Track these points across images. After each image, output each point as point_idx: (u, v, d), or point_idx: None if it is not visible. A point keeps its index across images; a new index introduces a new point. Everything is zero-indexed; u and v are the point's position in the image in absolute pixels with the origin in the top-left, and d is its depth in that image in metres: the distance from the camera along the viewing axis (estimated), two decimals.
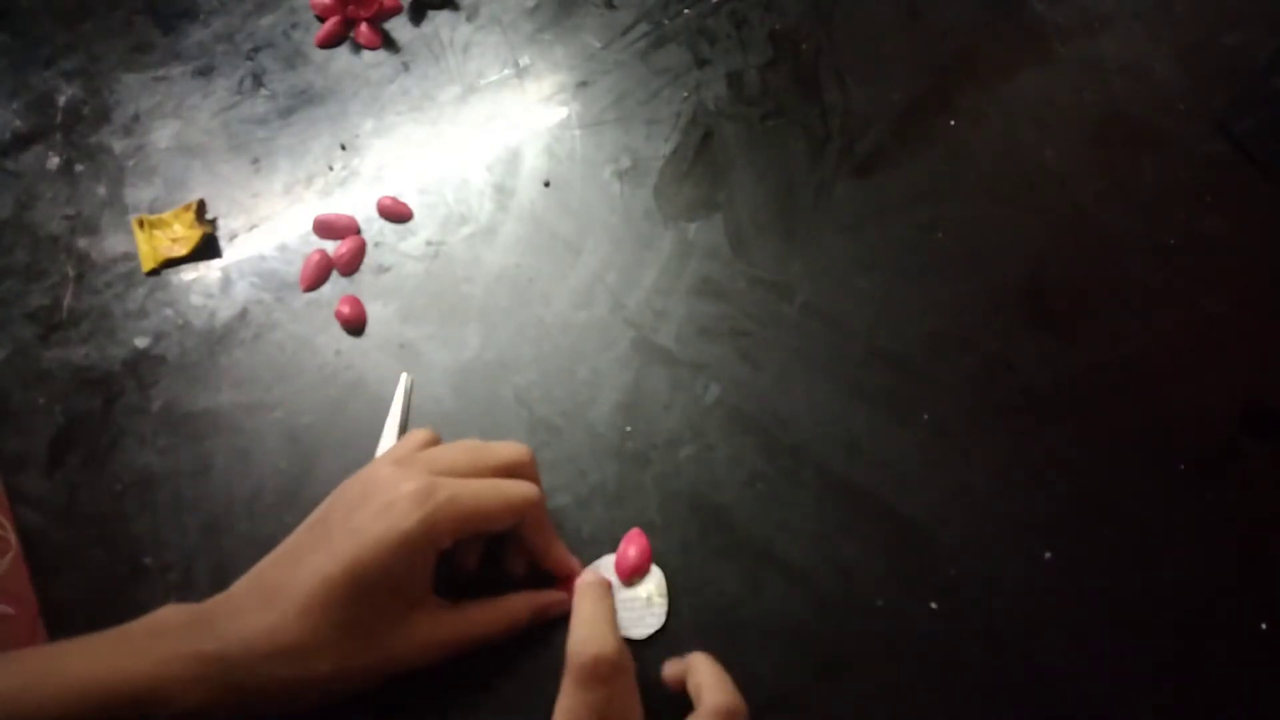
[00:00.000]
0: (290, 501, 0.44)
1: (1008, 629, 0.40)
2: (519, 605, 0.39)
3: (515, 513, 0.37)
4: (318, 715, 0.35)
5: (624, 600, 0.41)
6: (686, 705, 0.35)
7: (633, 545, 0.41)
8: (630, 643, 0.39)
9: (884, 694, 0.39)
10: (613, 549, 0.42)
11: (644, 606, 0.41)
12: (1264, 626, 0.39)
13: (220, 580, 0.42)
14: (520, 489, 0.37)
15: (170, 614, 0.34)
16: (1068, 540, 0.41)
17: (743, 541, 0.42)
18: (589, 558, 0.42)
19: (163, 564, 0.43)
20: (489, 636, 0.38)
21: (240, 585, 0.36)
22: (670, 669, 0.38)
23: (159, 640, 0.33)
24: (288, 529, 0.43)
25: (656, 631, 0.40)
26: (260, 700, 0.33)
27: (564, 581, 0.40)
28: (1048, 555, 0.41)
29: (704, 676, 0.35)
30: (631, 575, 0.41)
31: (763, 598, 0.41)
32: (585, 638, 0.32)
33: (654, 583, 0.41)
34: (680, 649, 0.39)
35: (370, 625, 0.34)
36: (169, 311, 0.49)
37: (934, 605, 0.40)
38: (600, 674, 0.31)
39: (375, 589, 0.34)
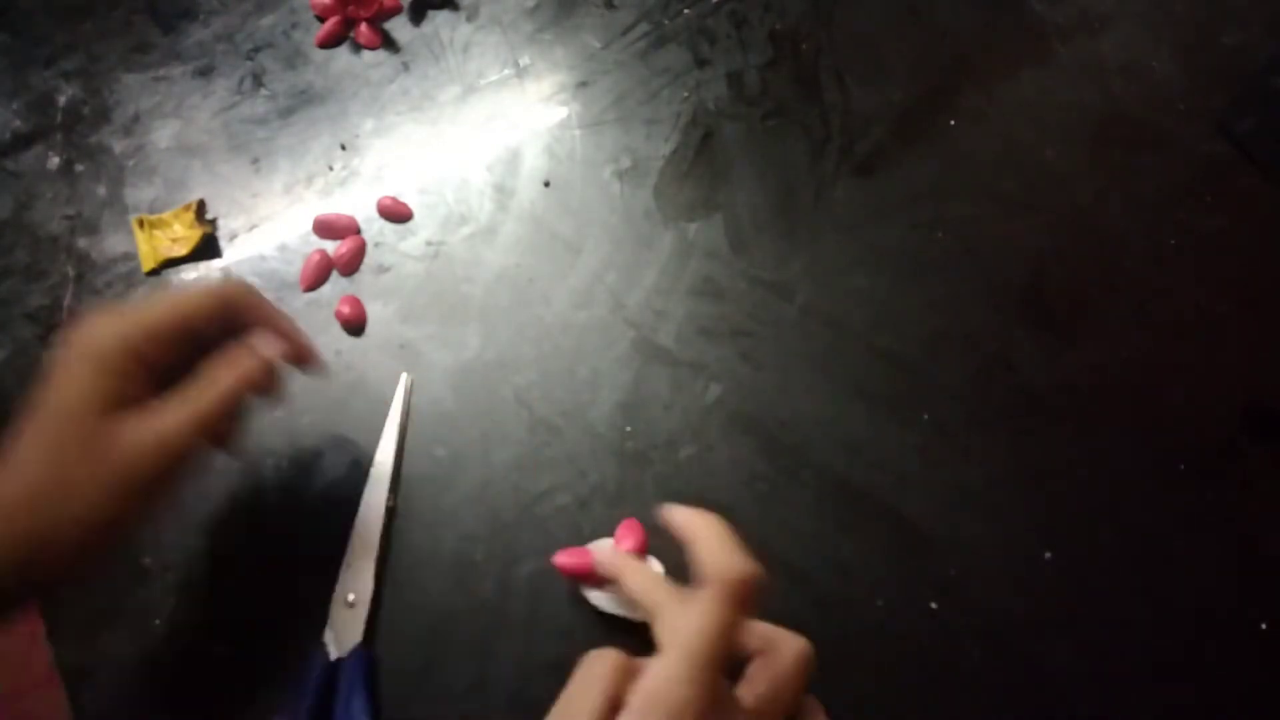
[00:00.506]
0: (290, 501, 0.44)
1: (1008, 629, 0.40)
2: (223, 376, 0.37)
3: (208, 309, 0.37)
4: None
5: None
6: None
7: (628, 536, 0.41)
8: (635, 626, 0.39)
9: (884, 694, 0.39)
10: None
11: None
12: (1264, 626, 0.39)
13: (220, 580, 0.42)
14: (208, 290, 0.38)
15: None
16: (1068, 540, 0.41)
17: (743, 541, 0.42)
18: None
19: (163, 564, 0.43)
20: (201, 416, 0.36)
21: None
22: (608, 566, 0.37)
23: None
24: (288, 529, 0.43)
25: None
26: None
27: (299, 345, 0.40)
28: (1048, 555, 0.41)
29: (705, 545, 0.32)
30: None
31: (763, 598, 0.41)
32: (733, 561, 0.31)
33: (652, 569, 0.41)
34: None
35: (70, 454, 0.34)
36: None
37: (934, 605, 0.40)
38: (747, 595, 0.31)
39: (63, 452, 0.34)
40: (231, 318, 0.38)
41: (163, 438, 0.35)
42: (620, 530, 0.42)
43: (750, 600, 0.31)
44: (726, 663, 0.30)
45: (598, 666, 0.30)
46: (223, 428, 0.39)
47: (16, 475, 0.34)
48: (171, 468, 0.36)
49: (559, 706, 0.30)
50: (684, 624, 0.30)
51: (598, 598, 0.40)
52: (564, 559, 0.40)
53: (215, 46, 0.58)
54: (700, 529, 0.32)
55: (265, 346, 0.39)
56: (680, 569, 0.41)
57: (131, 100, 0.56)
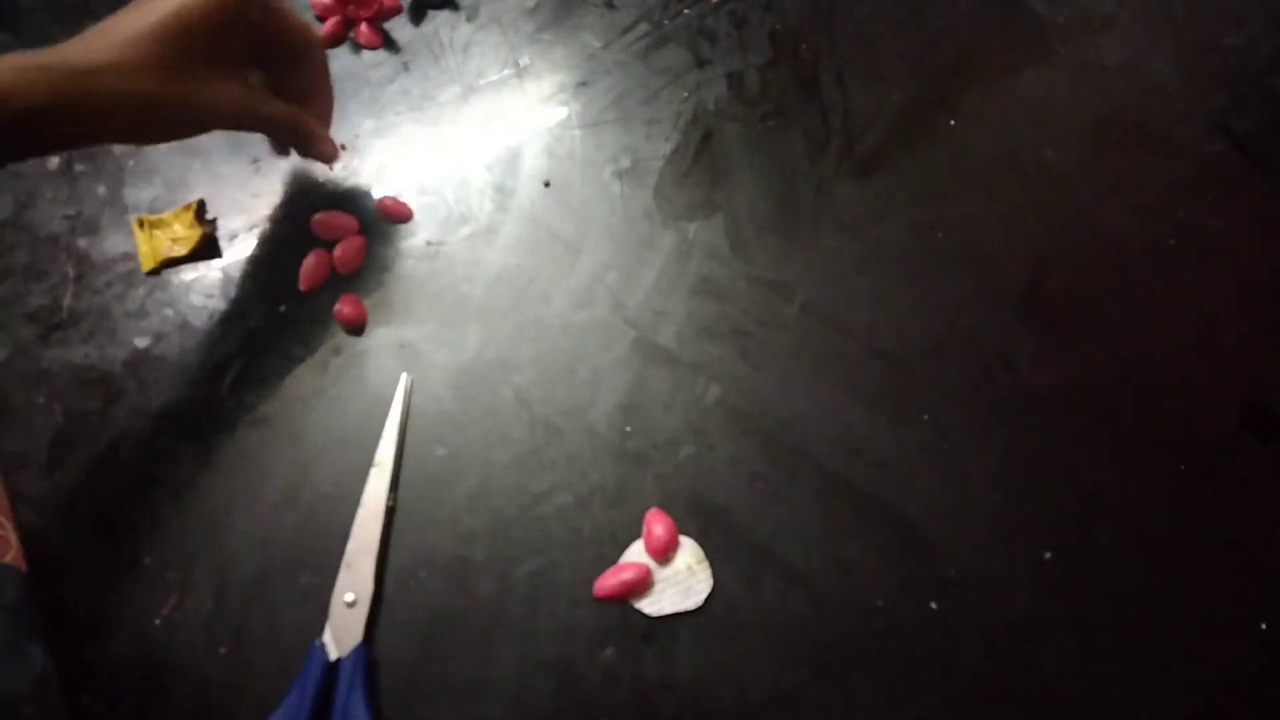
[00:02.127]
0: (290, 501, 0.44)
1: (1008, 629, 0.40)
2: (307, 118, 0.48)
3: (307, 30, 0.47)
4: None
5: (668, 578, 0.41)
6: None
7: (657, 524, 0.42)
8: (686, 614, 0.40)
9: (884, 694, 0.39)
10: (615, 548, 0.42)
11: (689, 577, 0.41)
12: (1264, 626, 0.39)
13: (220, 580, 0.42)
14: (305, 27, 0.47)
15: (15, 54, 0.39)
16: (1068, 540, 0.41)
17: (743, 541, 0.42)
18: (590, 557, 0.42)
19: (163, 564, 0.43)
20: (281, 122, 0.47)
21: (73, 39, 0.41)
22: None
23: (5, 60, 0.38)
24: (288, 529, 0.43)
25: (709, 597, 0.41)
26: (95, 111, 0.39)
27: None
28: (1048, 555, 0.41)
29: None
30: (666, 553, 0.41)
31: (763, 598, 0.41)
32: None
33: (690, 552, 0.42)
34: (697, 636, 0.39)
35: (186, 63, 0.41)
36: (169, 311, 0.49)
37: (934, 605, 0.40)
38: None
39: (192, 34, 0.41)
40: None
41: (243, 105, 0.44)
42: (647, 524, 0.42)
43: None
44: None
45: None
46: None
47: (113, 45, 0.40)
48: (231, 125, 0.45)
49: None
50: None
51: (648, 605, 0.41)
52: (603, 585, 0.41)
53: None
54: None
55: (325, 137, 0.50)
56: (713, 550, 0.41)
57: None
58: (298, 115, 0.48)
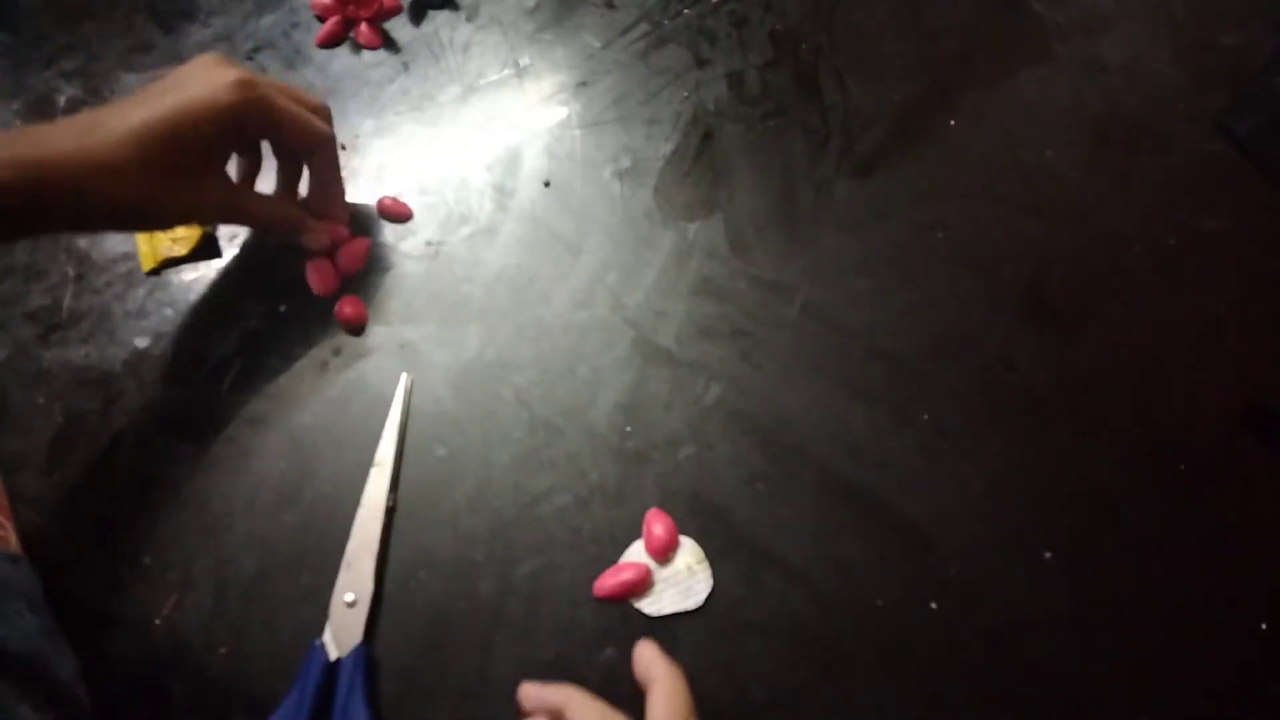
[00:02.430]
0: (290, 501, 0.44)
1: (1008, 629, 0.40)
2: (294, 211, 0.48)
3: (312, 134, 0.45)
4: None
5: (667, 577, 0.41)
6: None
7: (657, 523, 0.42)
8: (686, 614, 0.40)
9: (884, 694, 0.39)
10: (615, 548, 0.42)
11: (689, 577, 0.41)
12: (1264, 626, 0.39)
13: (220, 580, 0.42)
14: (322, 122, 0.46)
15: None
16: (1068, 540, 0.41)
17: (743, 541, 0.42)
18: (590, 557, 0.42)
19: (163, 564, 0.43)
20: (265, 218, 0.47)
21: (62, 121, 0.40)
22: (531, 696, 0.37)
23: None
24: (288, 529, 0.43)
25: (708, 597, 0.41)
26: (71, 211, 0.39)
27: (332, 227, 0.49)
28: (1048, 555, 0.41)
29: (657, 697, 0.34)
30: (666, 552, 0.41)
31: (763, 598, 0.41)
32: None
33: (689, 552, 0.42)
34: (696, 636, 0.39)
35: (174, 167, 0.40)
36: (169, 311, 0.49)
37: (934, 605, 0.40)
38: None
39: (185, 140, 0.40)
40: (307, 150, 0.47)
41: (231, 207, 0.45)
42: (647, 524, 0.42)
43: None
44: None
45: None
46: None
47: (98, 144, 0.39)
48: (216, 221, 0.48)
49: None
50: None
51: (648, 605, 0.41)
52: (604, 586, 0.41)
53: (215, 46, 0.58)
54: (660, 678, 0.35)
55: (326, 230, 0.49)
56: (713, 550, 0.41)
57: None
58: (280, 211, 0.47)
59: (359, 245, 0.50)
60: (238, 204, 0.45)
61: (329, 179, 0.48)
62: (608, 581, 0.41)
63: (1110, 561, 0.41)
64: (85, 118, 0.40)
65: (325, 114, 0.47)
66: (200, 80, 0.41)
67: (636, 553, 0.42)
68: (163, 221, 0.43)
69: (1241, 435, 0.43)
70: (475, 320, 0.48)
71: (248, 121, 0.42)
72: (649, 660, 0.36)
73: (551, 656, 0.40)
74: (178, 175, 0.41)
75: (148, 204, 0.40)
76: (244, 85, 0.41)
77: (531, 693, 0.37)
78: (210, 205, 0.44)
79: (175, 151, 0.40)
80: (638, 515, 0.43)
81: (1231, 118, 0.51)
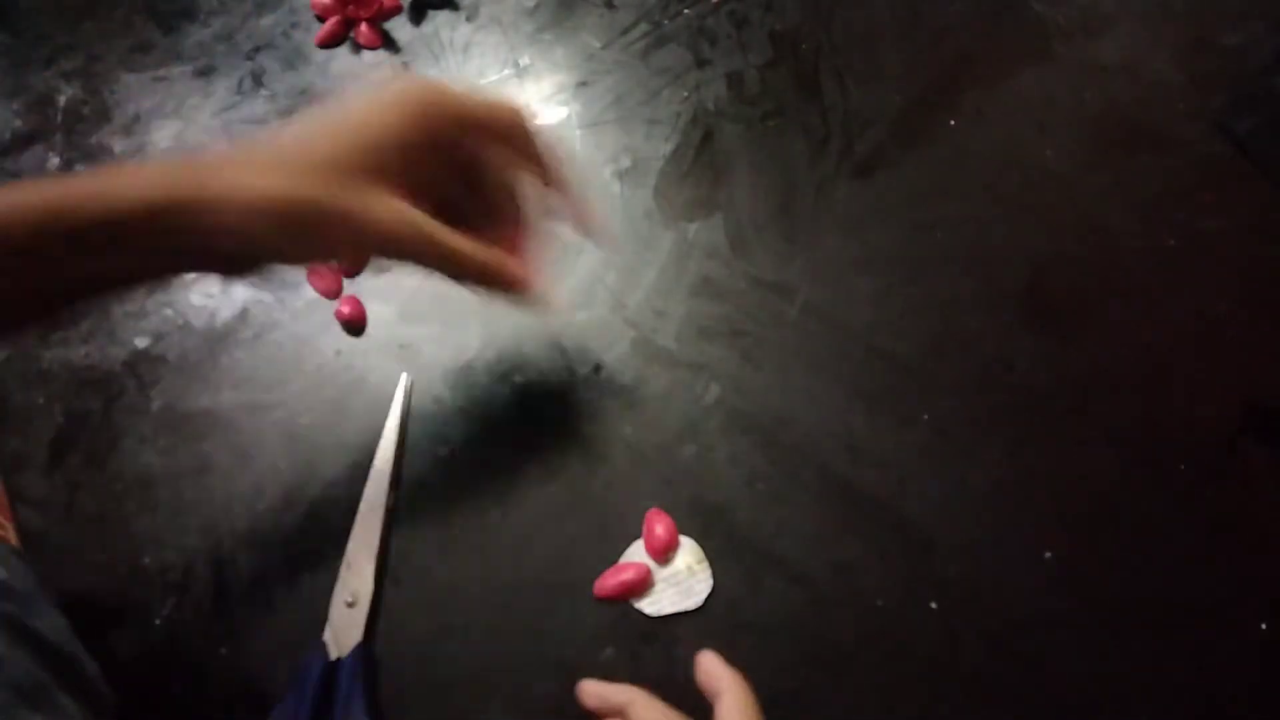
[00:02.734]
0: (290, 501, 0.44)
1: (1008, 629, 0.40)
2: (484, 250, 0.37)
3: (502, 106, 0.37)
4: None
5: (667, 577, 0.41)
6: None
7: (658, 523, 0.42)
8: (686, 614, 0.40)
9: (884, 694, 0.39)
10: (615, 548, 0.42)
11: (689, 577, 0.41)
12: (1264, 626, 0.39)
13: (220, 580, 0.42)
14: (502, 100, 0.38)
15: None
16: (1068, 540, 0.41)
17: (743, 541, 0.42)
18: (590, 557, 0.42)
19: (163, 564, 0.43)
20: (449, 253, 0.36)
21: (239, 147, 0.34)
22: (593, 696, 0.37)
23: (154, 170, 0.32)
24: (288, 529, 0.43)
25: (708, 597, 0.41)
26: (223, 218, 0.32)
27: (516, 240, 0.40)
28: (1048, 555, 0.41)
29: (727, 708, 0.34)
30: (666, 552, 0.41)
31: (763, 598, 0.41)
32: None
33: (689, 552, 0.42)
34: (697, 636, 0.39)
35: (357, 176, 0.33)
36: (169, 311, 0.49)
37: (934, 605, 0.40)
38: None
39: (372, 151, 0.34)
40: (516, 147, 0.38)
41: (413, 229, 0.35)
42: (647, 524, 0.42)
43: None
44: None
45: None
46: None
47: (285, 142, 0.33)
48: (392, 250, 0.36)
49: None
50: None
51: (648, 605, 0.41)
52: (603, 586, 0.41)
53: (215, 46, 0.58)
54: (729, 688, 0.35)
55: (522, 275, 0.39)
56: (713, 550, 0.41)
57: (131, 100, 0.56)
58: (477, 248, 0.37)
59: None
60: (423, 229, 0.35)
61: (534, 152, 0.38)
62: (608, 581, 0.41)
63: (1110, 561, 0.41)
64: (257, 144, 0.34)
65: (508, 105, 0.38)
66: (369, 90, 0.35)
67: (637, 553, 0.42)
68: (335, 242, 0.34)
69: (1241, 435, 0.43)
70: (475, 320, 0.48)
71: (431, 119, 0.35)
72: (715, 672, 0.36)
73: (552, 656, 0.40)
74: (358, 184, 0.33)
75: (320, 210, 0.32)
76: (423, 87, 0.35)
77: (593, 690, 0.37)
78: (393, 223, 0.34)
79: (358, 160, 0.33)
80: (638, 515, 0.43)
81: (1231, 118, 0.51)
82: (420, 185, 0.35)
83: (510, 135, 0.38)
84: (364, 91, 0.35)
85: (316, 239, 0.34)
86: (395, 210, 0.34)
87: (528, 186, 0.39)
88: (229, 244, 0.32)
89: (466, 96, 0.36)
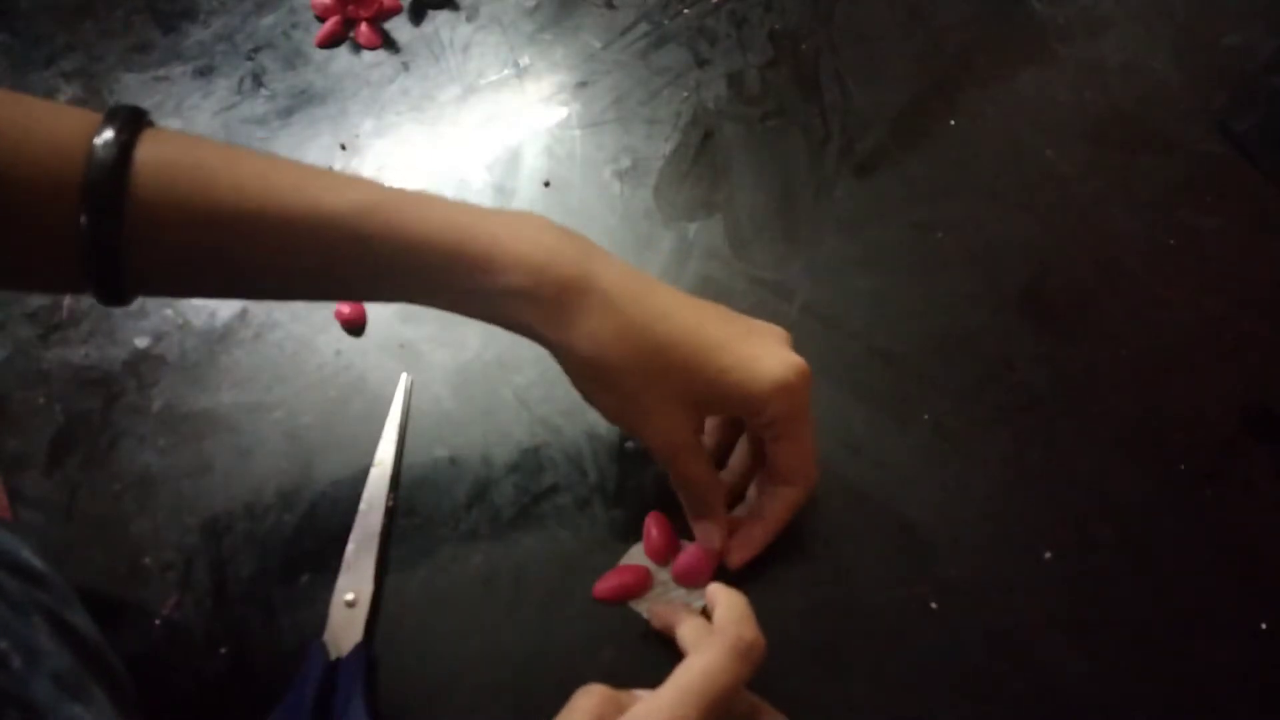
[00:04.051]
0: (290, 501, 0.44)
1: (1008, 629, 0.40)
2: (718, 491, 0.40)
3: (802, 469, 0.39)
4: None
5: (667, 580, 0.41)
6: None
7: (655, 527, 0.42)
8: (638, 635, 0.40)
9: (884, 694, 0.39)
10: (615, 549, 0.42)
11: (689, 587, 0.41)
12: (1264, 626, 0.39)
13: (220, 580, 0.42)
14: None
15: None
16: (1068, 540, 0.41)
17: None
18: (590, 558, 0.42)
19: (163, 564, 0.43)
20: (687, 477, 0.39)
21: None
22: (661, 616, 0.38)
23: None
24: (288, 529, 0.43)
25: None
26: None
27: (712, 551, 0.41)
28: (1048, 555, 0.41)
29: (726, 607, 0.34)
30: (665, 555, 0.41)
31: (763, 598, 0.41)
32: (746, 625, 0.33)
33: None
34: None
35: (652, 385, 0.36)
36: (169, 311, 0.49)
37: (934, 605, 0.40)
38: (754, 657, 0.32)
39: (687, 373, 0.36)
40: None
41: (670, 439, 0.37)
42: (646, 527, 0.42)
43: (752, 665, 0.32)
44: (719, 717, 0.31)
45: (584, 699, 0.31)
46: None
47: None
48: (640, 435, 0.38)
49: None
50: (686, 664, 0.31)
51: (647, 606, 0.41)
52: (603, 587, 0.41)
53: (215, 46, 0.58)
54: (726, 595, 0.35)
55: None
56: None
57: (131, 100, 0.56)
58: (709, 481, 0.39)
59: None
60: (676, 443, 0.37)
61: (779, 512, 0.40)
62: (607, 584, 0.41)
63: (1110, 561, 0.41)
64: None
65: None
66: (765, 338, 0.37)
67: (636, 554, 0.42)
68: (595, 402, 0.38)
69: (1241, 435, 0.43)
70: (475, 321, 0.48)
71: (775, 410, 0.36)
72: (712, 589, 0.36)
73: (552, 656, 0.40)
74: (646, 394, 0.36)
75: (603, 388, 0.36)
76: (803, 377, 0.36)
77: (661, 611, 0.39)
78: (651, 425, 0.37)
79: (662, 372, 0.35)
80: (638, 515, 0.43)
81: (1231, 118, 0.51)
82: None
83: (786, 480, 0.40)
84: (759, 343, 0.37)
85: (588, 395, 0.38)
86: (663, 420, 0.37)
87: None
88: (502, 310, 0.36)
89: (808, 423, 0.38)
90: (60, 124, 0.31)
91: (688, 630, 0.36)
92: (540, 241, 0.34)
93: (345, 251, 0.33)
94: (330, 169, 0.36)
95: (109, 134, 0.31)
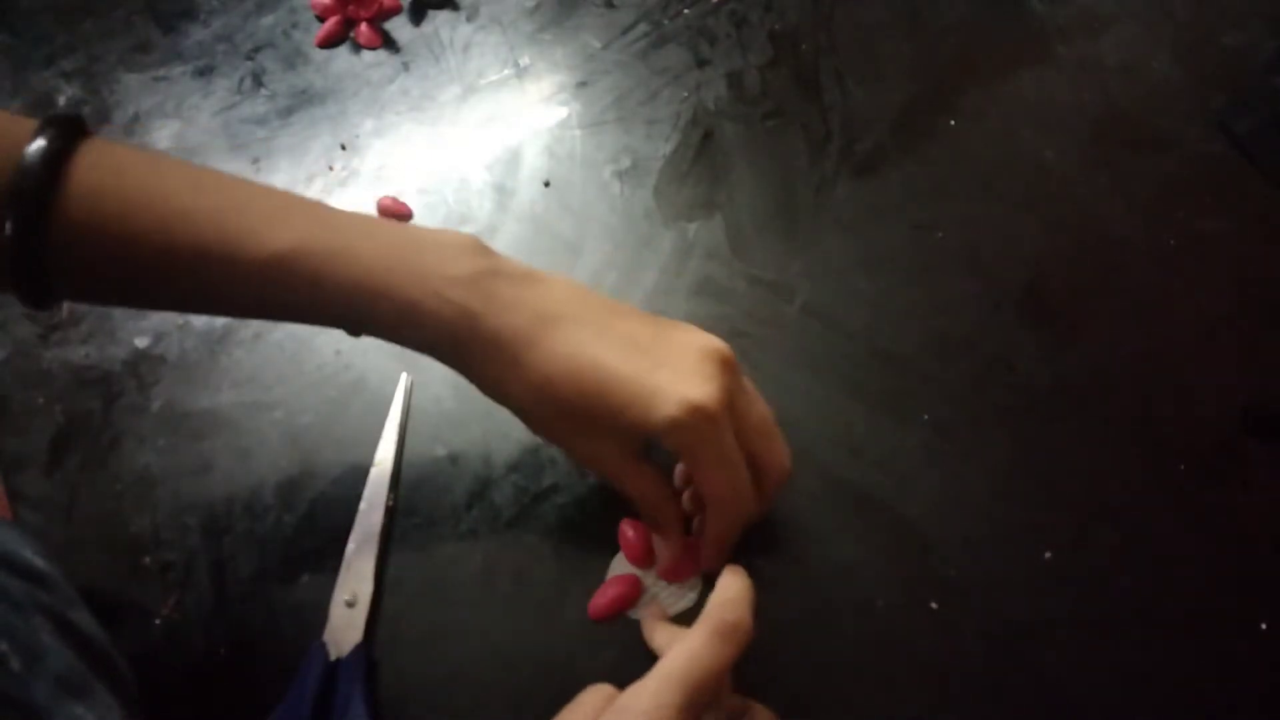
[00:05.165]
0: (290, 501, 0.44)
1: (1008, 629, 0.40)
2: (674, 509, 0.40)
3: (727, 500, 0.37)
4: None
5: (657, 581, 0.41)
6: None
7: (629, 529, 0.41)
8: (685, 614, 0.40)
9: (884, 694, 0.39)
10: (614, 549, 0.42)
11: (678, 583, 0.41)
12: (1264, 626, 0.39)
13: (220, 580, 0.42)
14: (753, 496, 0.38)
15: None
16: (1068, 540, 0.41)
17: (743, 541, 0.42)
18: (589, 558, 0.42)
19: (163, 564, 0.43)
20: (640, 495, 0.39)
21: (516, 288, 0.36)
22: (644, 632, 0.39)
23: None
24: (288, 529, 0.43)
25: (694, 605, 0.41)
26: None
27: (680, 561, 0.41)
28: (1048, 555, 0.41)
29: (717, 593, 0.34)
30: (646, 556, 0.41)
31: (763, 598, 0.41)
32: (738, 608, 0.33)
33: None
34: None
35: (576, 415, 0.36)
36: (169, 311, 0.49)
37: (934, 605, 0.40)
38: (738, 638, 0.32)
39: (602, 412, 0.35)
40: None
41: (614, 462, 0.37)
42: (622, 530, 0.42)
43: (736, 646, 0.32)
44: (705, 701, 0.31)
45: (590, 695, 0.32)
46: None
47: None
48: (583, 460, 0.39)
49: None
50: (671, 652, 0.31)
51: (643, 613, 0.41)
52: (598, 605, 0.41)
53: (215, 46, 0.58)
54: (724, 578, 0.35)
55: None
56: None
57: (131, 100, 0.56)
58: (661, 498, 0.39)
59: None
60: (608, 468, 0.38)
61: (715, 533, 0.39)
62: (600, 601, 0.41)
63: (1110, 561, 0.41)
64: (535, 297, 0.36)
65: (781, 475, 0.39)
66: (676, 367, 0.35)
67: (620, 564, 0.42)
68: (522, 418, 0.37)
69: (1241, 435, 0.43)
70: None
71: (674, 443, 0.35)
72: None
73: (551, 657, 0.40)
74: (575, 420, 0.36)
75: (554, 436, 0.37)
76: (697, 412, 0.34)
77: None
78: (578, 453, 0.38)
79: (581, 402, 0.35)
80: (637, 515, 0.43)
81: (1231, 118, 0.51)
82: None
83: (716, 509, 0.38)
84: (671, 354, 0.36)
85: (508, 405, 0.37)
86: (601, 442, 0.37)
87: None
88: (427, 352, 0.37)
89: (721, 458, 0.36)
90: (2, 130, 0.32)
91: (660, 638, 0.38)
92: (450, 296, 0.34)
93: (265, 295, 0.34)
94: (274, 190, 0.35)
95: (41, 142, 0.31)
